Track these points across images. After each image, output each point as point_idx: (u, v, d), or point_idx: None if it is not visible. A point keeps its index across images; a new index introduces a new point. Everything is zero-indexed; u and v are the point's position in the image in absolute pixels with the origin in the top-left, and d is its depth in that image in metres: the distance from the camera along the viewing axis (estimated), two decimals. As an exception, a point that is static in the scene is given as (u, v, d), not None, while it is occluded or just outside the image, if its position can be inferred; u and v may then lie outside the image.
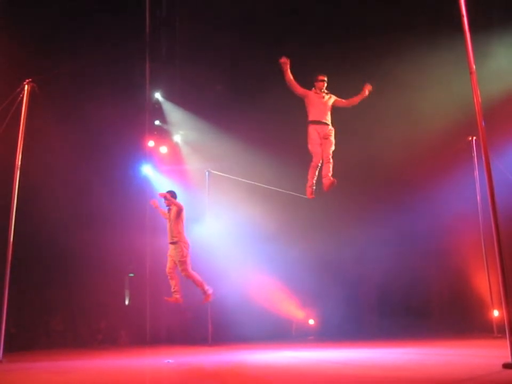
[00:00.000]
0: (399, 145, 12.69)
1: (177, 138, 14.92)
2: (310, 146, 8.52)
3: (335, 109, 8.79)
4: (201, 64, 14.18)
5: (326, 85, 8.59)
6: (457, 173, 12.37)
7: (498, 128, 10.75)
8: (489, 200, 6.44)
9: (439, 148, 12.69)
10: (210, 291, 9.57)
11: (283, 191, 9.75)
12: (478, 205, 11.29)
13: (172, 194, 9.77)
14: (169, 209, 9.77)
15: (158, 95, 14.85)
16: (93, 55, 12.98)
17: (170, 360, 8.40)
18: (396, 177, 13.18)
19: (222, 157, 13.41)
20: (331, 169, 8.44)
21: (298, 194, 9.12)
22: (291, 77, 8.40)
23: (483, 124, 6.60)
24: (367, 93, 8.65)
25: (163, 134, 14.88)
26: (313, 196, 8.69)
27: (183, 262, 9.39)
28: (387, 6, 12.95)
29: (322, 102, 8.53)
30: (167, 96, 14.86)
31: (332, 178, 8.35)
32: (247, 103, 13.57)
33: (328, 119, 8.54)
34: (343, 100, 8.71)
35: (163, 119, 14.84)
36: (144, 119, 14.84)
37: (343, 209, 13.29)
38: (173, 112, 14.79)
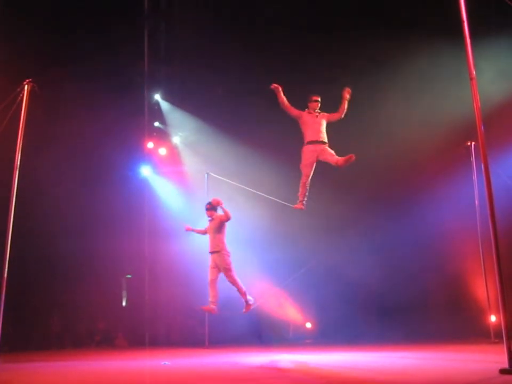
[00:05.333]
0: (397, 150, 12.71)
1: (176, 140, 14.91)
2: (301, 166, 8.63)
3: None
4: (201, 65, 14.19)
5: (319, 105, 8.67)
6: (456, 178, 12.39)
7: (496, 133, 10.77)
8: (488, 205, 6.44)
9: (437, 152, 12.72)
10: (251, 302, 9.63)
11: (279, 201, 9.77)
12: (476, 210, 11.32)
13: (213, 205, 9.70)
14: (210, 220, 9.71)
15: (157, 97, 14.85)
16: (93, 56, 13.01)
17: (166, 362, 8.39)
18: (395, 182, 13.18)
19: (221, 159, 13.41)
20: (334, 153, 8.41)
21: (290, 205, 9.17)
22: (285, 100, 8.54)
23: (482, 129, 6.61)
24: (348, 96, 8.65)
25: (162, 136, 14.88)
26: (304, 208, 8.79)
27: (228, 269, 9.41)
28: (386, 12, 12.99)
29: (316, 121, 8.62)
30: (167, 98, 14.86)
31: (343, 158, 8.19)
32: (247, 106, 13.58)
33: (324, 137, 8.61)
34: (334, 114, 8.75)
35: (162, 121, 14.84)
36: (143, 120, 14.84)
37: (341, 214, 13.30)
38: (172, 114, 14.79)
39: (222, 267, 9.42)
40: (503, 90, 12.15)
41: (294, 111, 8.63)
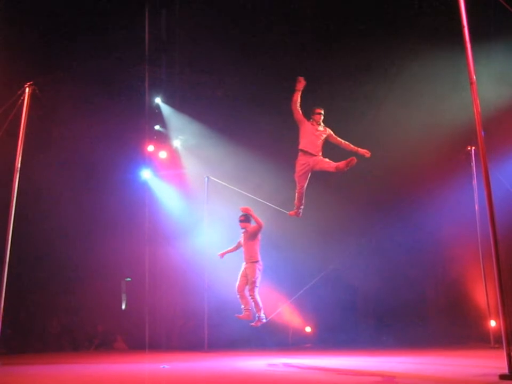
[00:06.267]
0: (397, 155, 12.71)
1: (176, 143, 14.92)
2: (295, 176, 8.59)
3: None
4: (202, 69, 14.21)
5: (322, 118, 8.57)
6: (456, 183, 12.39)
7: (497, 138, 10.78)
8: (488, 210, 6.45)
9: (437, 157, 12.72)
10: (263, 319, 9.68)
11: (275, 207, 9.81)
12: (476, 215, 11.31)
13: (247, 217, 9.79)
14: (244, 232, 9.80)
15: (158, 100, 14.86)
16: (93, 59, 13.03)
17: (165, 366, 8.37)
18: (394, 187, 13.18)
19: (222, 163, 13.42)
20: (330, 161, 8.36)
21: (285, 211, 9.19)
22: (297, 99, 8.40)
23: (482, 134, 6.62)
24: (360, 153, 8.49)
25: (163, 139, 14.87)
26: (299, 216, 8.82)
27: (254, 283, 9.50)
28: (386, 16, 13.03)
29: (315, 134, 8.51)
30: (167, 101, 14.87)
31: (344, 161, 8.07)
32: (248, 110, 13.59)
33: (318, 152, 8.49)
34: (338, 139, 8.65)
35: (163, 124, 14.84)
36: (143, 123, 14.83)
37: (340, 219, 13.29)
38: (172, 117, 14.78)
39: (250, 279, 9.52)
40: (504, 95, 12.17)
41: (298, 115, 8.51)
